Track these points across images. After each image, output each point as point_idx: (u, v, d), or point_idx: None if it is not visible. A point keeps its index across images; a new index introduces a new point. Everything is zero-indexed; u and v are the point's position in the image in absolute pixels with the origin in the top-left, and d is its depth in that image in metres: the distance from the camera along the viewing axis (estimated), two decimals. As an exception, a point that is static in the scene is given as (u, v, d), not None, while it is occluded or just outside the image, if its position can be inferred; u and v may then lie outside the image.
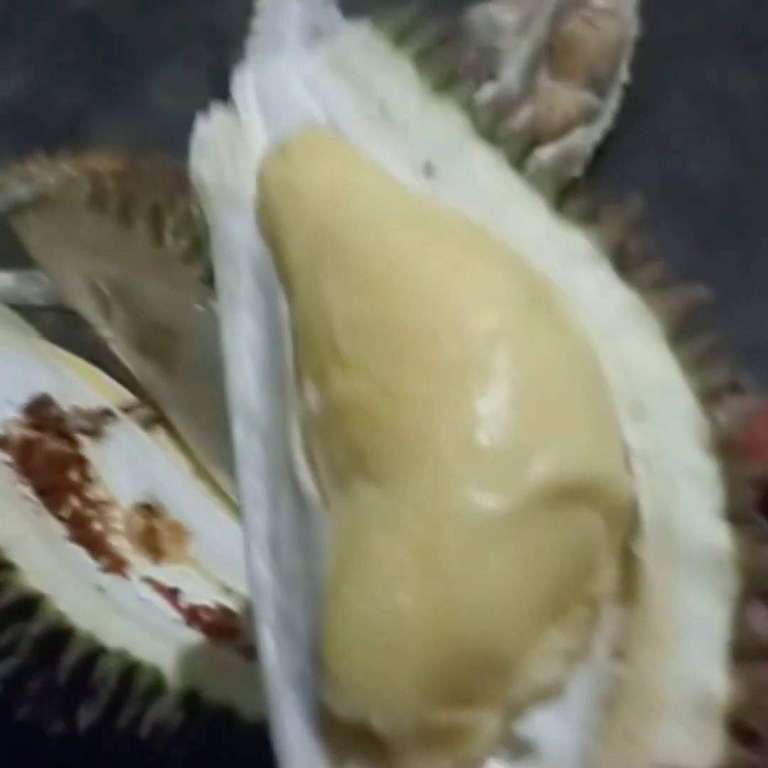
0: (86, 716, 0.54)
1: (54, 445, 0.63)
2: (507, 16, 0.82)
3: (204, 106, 0.41)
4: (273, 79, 0.39)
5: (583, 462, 0.33)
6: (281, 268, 0.37)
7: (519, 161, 0.37)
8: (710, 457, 0.34)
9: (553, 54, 0.83)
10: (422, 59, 0.38)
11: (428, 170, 0.37)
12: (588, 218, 0.36)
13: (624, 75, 0.84)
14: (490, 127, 0.37)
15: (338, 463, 0.35)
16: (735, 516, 0.34)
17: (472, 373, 0.33)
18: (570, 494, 0.33)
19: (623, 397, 0.35)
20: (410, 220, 0.36)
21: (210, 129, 0.39)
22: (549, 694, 0.34)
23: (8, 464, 0.60)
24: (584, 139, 0.82)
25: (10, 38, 0.91)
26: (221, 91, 0.41)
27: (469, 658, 0.32)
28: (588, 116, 0.82)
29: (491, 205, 0.36)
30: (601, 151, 0.83)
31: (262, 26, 0.80)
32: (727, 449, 0.34)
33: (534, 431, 0.33)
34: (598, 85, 0.82)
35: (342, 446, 0.34)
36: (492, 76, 0.82)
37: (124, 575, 0.60)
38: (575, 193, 0.38)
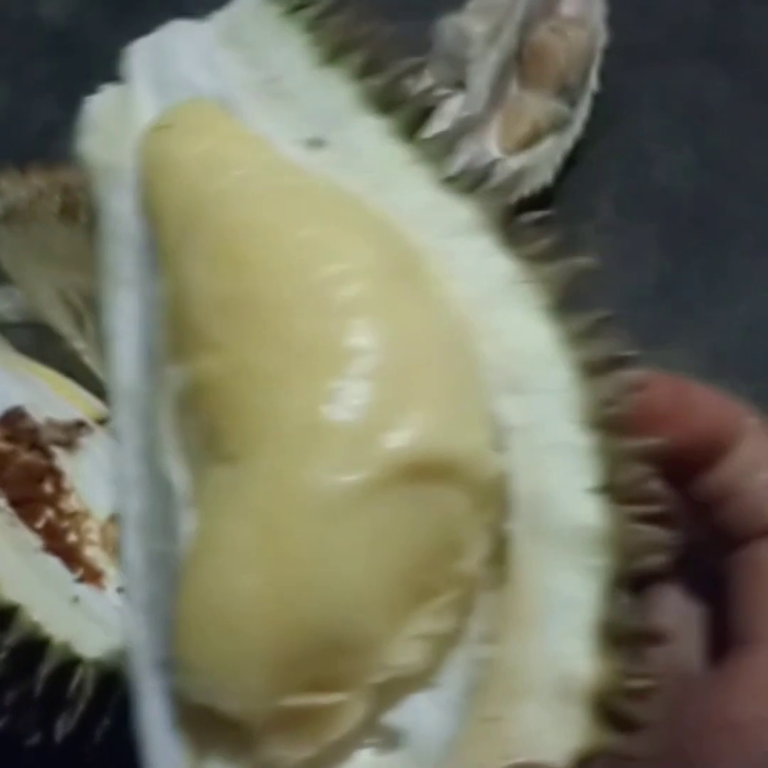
0: (63, 727, 0.54)
1: (28, 457, 0.63)
2: (476, 26, 0.82)
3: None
4: (165, 53, 0.38)
5: (440, 439, 0.32)
6: (157, 244, 0.36)
7: (409, 131, 0.36)
8: (587, 431, 0.33)
9: (522, 63, 0.83)
10: (314, 28, 0.37)
11: (316, 142, 0.36)
12: (475, 188, 0.35)
13: (593, 83, 0.84)
14: (381, 96, 0.36)
15: (200, 444, 0.34)
16: (610, 493, 0.33)
17: (325, 348, 0.32)
18: (427, 472, 0.31)
19: (499, 371, 0.34)
20: (278, 194, 0.35)
21: (99, 106, 0.39)
22: (421, 679, 0.33)
23: (-18, 477, 0.60)
24: (555, 147, 0.82)
25: (-18, 55, 0.91)
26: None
27: (321, 641, 0.31)
28: (558, 125, 0.83)
29: (376, 176, 0.35)
30: (571, 160, 0.83)
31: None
32: (607, 424, 0.33)
33: (389, 408, 0.31)
34: (568, 93, 0.83)
35: (201, 426, 0.34)
36: (462, 86, 0.82)
37: (99, 585, 0.60)
38: (465, 165, 0.36)
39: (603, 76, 0.85)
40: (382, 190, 0.35)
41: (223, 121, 0.37)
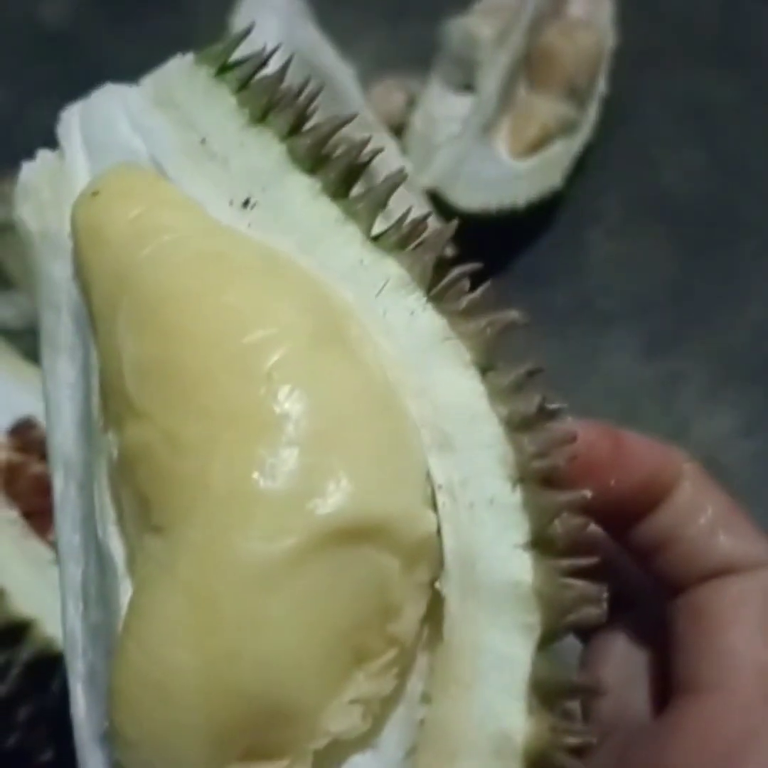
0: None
1: (39, 467, 0.63)
2: (484, 29, 0.82)
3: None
4: (99, 118, 0.38)
5: (368, 502, 0.32)
6: (89, 311, 0.36)
7: (336, 189, 0.36)
8: (516, 486, 0.33)
9: (531, 66, 0.83)
10: (242, 89, 0.37)
11: (246, 203, 0.36)
12: (403, 245, 0.35)
13: (602, 86, 0.84)
14: (309, 155, 0.36)
15: (135, 514, 0.34)
16: (540, 547, 0.33)
17: (250, 415, 0.32)
18: (356, 535, 0.32)
19: (430, 428, 0.34)
20: (205, 259, 0.35)
21: (33, 172, 0.39)
22: (362, 741, 0.34)
23: (-6, 489, 0.60)
24: (563, 151, 0.82)
25: (-18, 58, 0.90)
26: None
27: (258, 710, 0.31)
28: (567, 128, 0.82)
29: (305, 236, 0.35)
30: (580, 163, 0.83)
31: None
32: (536, 477, 0.33)
33: (316, 473, 0.32)
34: (577, 96, 0.82)
35: (135, 495, 0.34)
36: (469, 88, 0.82)
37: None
38: (394, 221, 0.36)
39: (611, 78, 0.84)
40: (311, 249, 0.35)
41: (153, 185, 0.37)
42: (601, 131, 0.84)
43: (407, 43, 0.87)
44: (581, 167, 0.83)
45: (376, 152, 0.37)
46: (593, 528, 0.36)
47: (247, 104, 0.37)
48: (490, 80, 0.81)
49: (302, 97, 0.37)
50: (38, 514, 0.61)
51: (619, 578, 0.41)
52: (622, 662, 0.41)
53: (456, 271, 0.36)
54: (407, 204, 0.74)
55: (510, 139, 0.81)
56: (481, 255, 0.77)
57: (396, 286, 0.35)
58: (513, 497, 0.33)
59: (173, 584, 0.32)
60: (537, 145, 0.81)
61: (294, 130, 0.37)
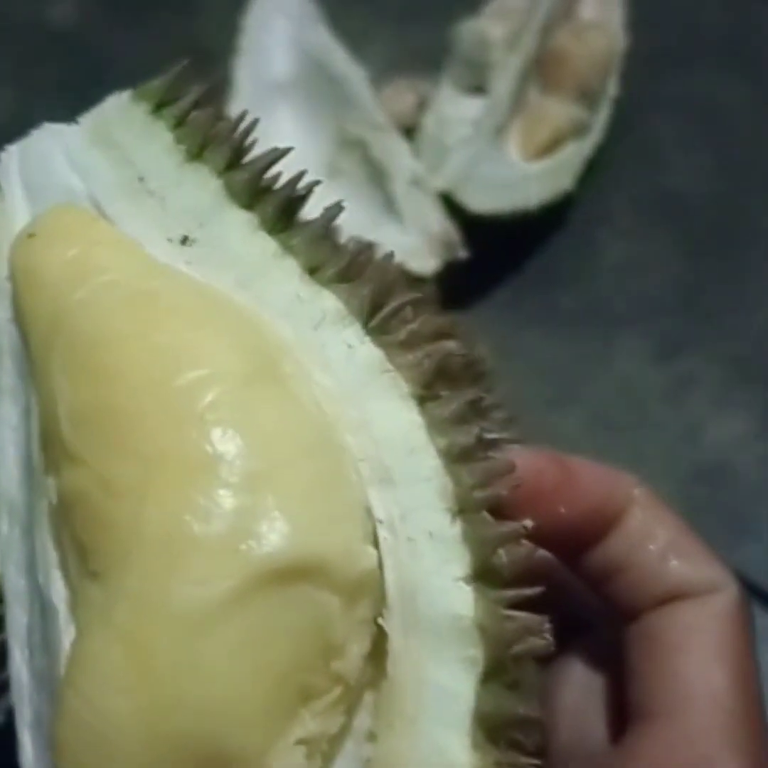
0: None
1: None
2: (496, 31, 0.82)
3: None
4: (37, 157, 0.38)
5: (304, 542, 0.32)
6: (28, 354, 0.36)
7: (274, 224, 0.36)
8: (456, 518, 0.33)
9: (542, 68, 0.82)
10: (179, 125, 0.37)
11: (185, 240, 0.36)
12: (341, 278, 0.35)
13: (612, 89, 0.83)
14: (246, 189, 0.36)
15: (76, 559, 0.34)
16: (481, 580, 0.32)
17: (184, 457, 0.32)
18: (293, 575, 0.31)
19: (370, 462, 0.33)
20: (139, 300, 0.34)
21: None
22: None
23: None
24: (575, 153, 0.81)
25: (-11, 57, 0.90)
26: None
27: (199, 756, 0.31)
28: (578, 130, 0.82)
29: (243, 271, 0.35)
30: (591, 165, 0.82)
31: (247, 43, 0.80)
32: (476, 509, 0.33)
33: (251, 514, 0.31)
34: (588, 98, 0.82)
35: (74, 540, 0.33)
36: (481, 91, 0.82)
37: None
38: (332, 254, 0.36)
39: (622, 80, 0.83)
40: (249, 285, 0.35)
41: (90, 225, 0.37)
42: (611, 133, 0.83)
43: (418, 45, 0.86)
44: (592, 169, 0.82)
45: (313, 185, 0.36)
46: (544, 554, 0.36)
47: (184, 141, 0.37)
48: (502, 82, 0.80)
49: (238, 132, 0.37)
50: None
51: (574, 602, 0.41)
52: (580, 687, 0.41)
53: (395, 302, 0.35)
54: (420, 206, 0.75)
55: (521, 142, 0.81)
56: (492, 257, 0.78)
57: (333, 320, 0.35)
58: (452, 530, 0.33)
59: (110, 631, 0.32)
60: (548, 148, 0.81)
61: (230, 165, 0.36)
